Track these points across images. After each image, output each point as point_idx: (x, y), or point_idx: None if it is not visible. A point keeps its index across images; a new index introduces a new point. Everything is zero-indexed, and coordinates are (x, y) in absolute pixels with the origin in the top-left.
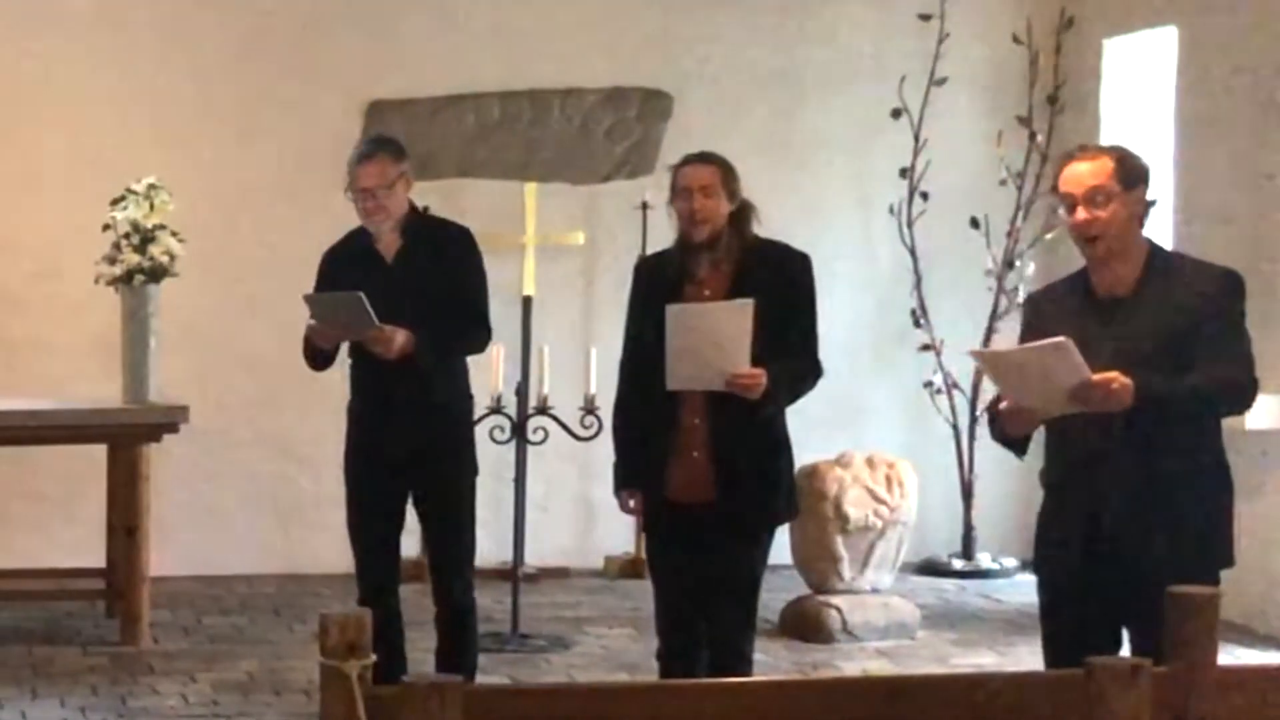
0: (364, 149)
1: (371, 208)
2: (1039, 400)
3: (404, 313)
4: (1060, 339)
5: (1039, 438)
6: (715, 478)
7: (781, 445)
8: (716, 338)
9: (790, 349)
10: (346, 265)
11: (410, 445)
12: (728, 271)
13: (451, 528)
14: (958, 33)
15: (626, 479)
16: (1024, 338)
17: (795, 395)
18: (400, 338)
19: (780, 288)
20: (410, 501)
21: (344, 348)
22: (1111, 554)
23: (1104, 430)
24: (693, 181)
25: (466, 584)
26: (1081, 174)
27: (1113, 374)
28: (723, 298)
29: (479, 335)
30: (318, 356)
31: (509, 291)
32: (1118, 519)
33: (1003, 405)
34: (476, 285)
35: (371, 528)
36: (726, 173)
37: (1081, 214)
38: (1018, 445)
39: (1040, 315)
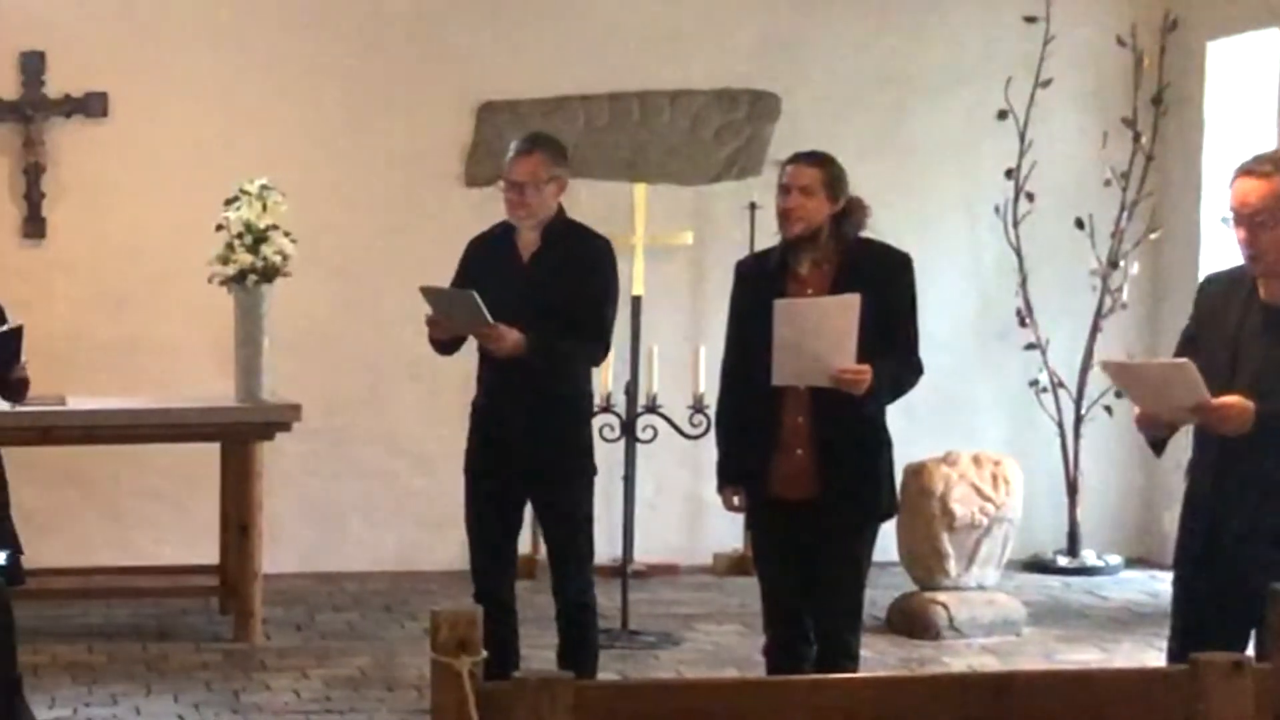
0: (523, 143)
1: (515, 201)
2: (1163, 411)
3: (529, 313)
4: (1182, 360)
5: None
6: (818, 474)
7: (883, 442)
8: (823, 333)
9: (891, 347)
10: (485, 255)
11: (528, 443)
12: (829, 271)
13: (569, 527)
14: (1063, 35)
15: (730, 476)
16: (1192, 321)
17: (897, 393)
18: (512, 338)
19: (882, 287)
20: (529, 499)
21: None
22: (1233, 557)
23: (1232, 436)
24: (793, 179)
25: (585, 583)
26: (1247, 192)
27: (1232, 399)
28: (825, 295)
29: (594, 350)
30: (439, 343)
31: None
32: (1239, 524)
33: (1136, 410)
34: (602, 299)
35: (488, 524)
36: (831, 174)
37: (1242, 234)
38: (1155, 446)
39: (1204, 304)
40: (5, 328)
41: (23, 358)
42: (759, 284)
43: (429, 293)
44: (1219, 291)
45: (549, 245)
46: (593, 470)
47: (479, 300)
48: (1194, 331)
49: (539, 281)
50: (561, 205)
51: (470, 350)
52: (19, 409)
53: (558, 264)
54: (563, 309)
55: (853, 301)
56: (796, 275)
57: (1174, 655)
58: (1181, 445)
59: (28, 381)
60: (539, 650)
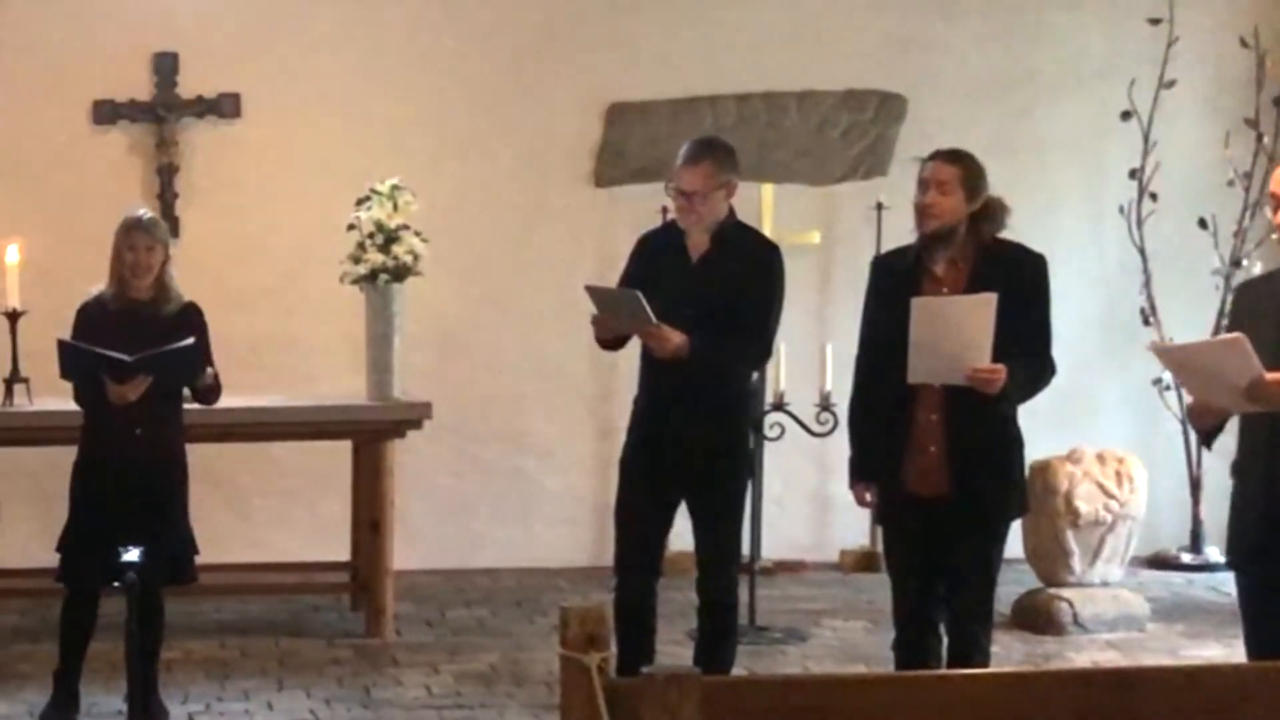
0: (693, 150)
1: (684, 207)
2: (1216, 396)
3: (696, 313)
4: (1235, 335)
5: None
6: (950, 472)
7: (1014, 441)
8: (959, 331)
9: (1025, 347)
10: (655, 254)
11: (687, 444)
12: (964, 270)
13: (720, 527)
14: (1186, 36)
15: (862, 472)
16: (1230, 324)
17: (1030, 392)
18: (675, 339)
19: (1016, 287)
20: (684, 499)
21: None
22: None
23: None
24: (931, 176)
25: (730, 582)
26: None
27: None
28: (960, 294)
29: (756, 355)
30: (604, 340)
31: None
32: None
33: (1188, 399)
34: (768, 305)
35: (638, 519)
36: (970, 173)
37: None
38: (1206, 438)
39: (1244, 304)
40: (179, 345)
41: (209, 369)
42: (894, 281)
43: (594, 292)
44: (1253, 293)
45: (719, 247)
46: (749, 473)
47: (643, 300)
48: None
49: (707, 283)
50: (732, 207)
51: (600, 350)
52: None
53: (726, 266)
54: (728, 311)
55: (989, 300)
56: (932, 274)
57: (1250, 653)
58: None
59: (214, 389)
60: (669, 646)
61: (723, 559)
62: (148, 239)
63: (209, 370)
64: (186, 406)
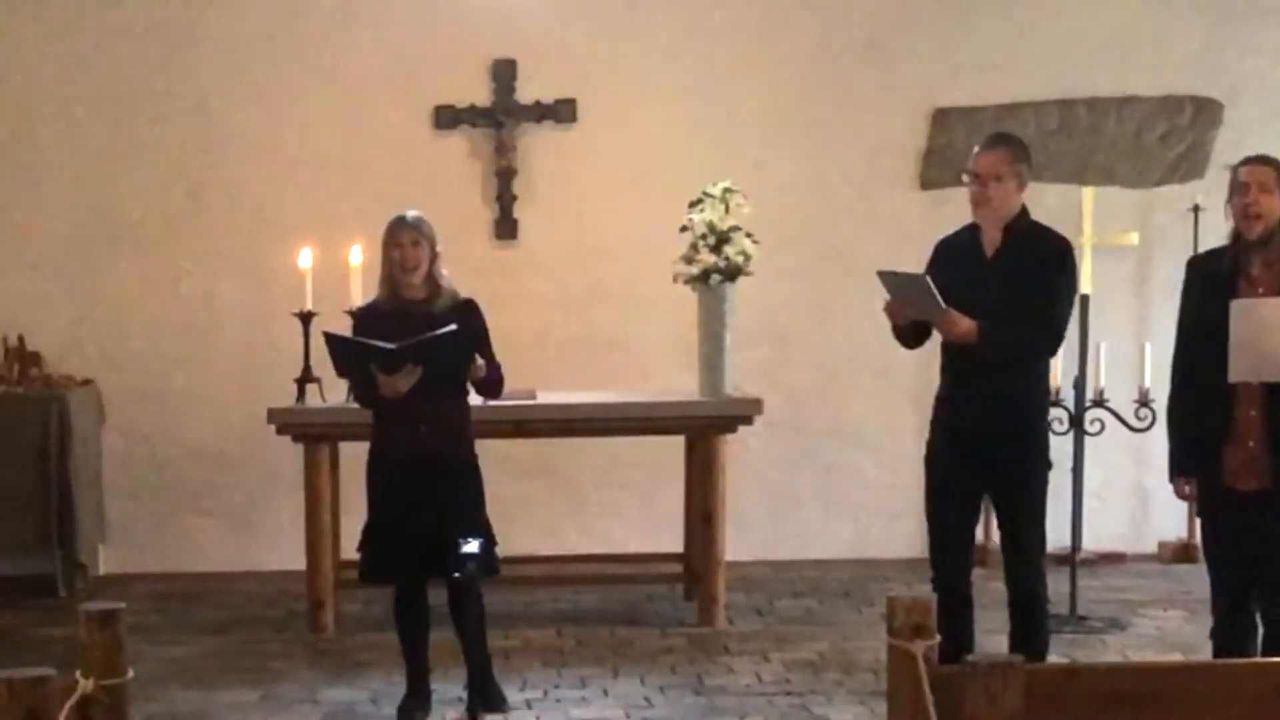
0: (990, 138)
1: (976, 194)
2: None
3: (993, 307)
4: None
5: None
6: (1271, 466)
7: None
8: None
9: None
10: (951, 254)
11: (987, 436)
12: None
13: (1023, 517)
14: None
15: (1182, 467)
16: None
17: None
18: (964, 324)
19: None
20: (987, 491)
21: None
22: None
23: None
24: (1251, 178)
25: (1037, 572)
26: None
27: None
28: (1276, 295)
29: (1046, 343)
30: (896, 332)
31: None
32: None
33: None
34: (1058, 296)
35: (946, 514)
36: None
37: None
38: None
39: None
40: (443, 330)
41: (477, 360)
42: (1211, 282)
43: (885, 277)
44: None
45: (1011, 243)
46: (1048, 464)
47: (930, 283)
48: None
49: (1001, 277)
50: (1025, 206)
51: (924, 347)
52: (493, 404)
53: (1020, 261)
54: (1022, 303)
55: None
56: (1248, 275)
57: None
58: None
59: (492, 382)
60: (990, 636)
61: (1029, 550)
62: (413, 234)
63: (479, 361)
64: (523, 403)
